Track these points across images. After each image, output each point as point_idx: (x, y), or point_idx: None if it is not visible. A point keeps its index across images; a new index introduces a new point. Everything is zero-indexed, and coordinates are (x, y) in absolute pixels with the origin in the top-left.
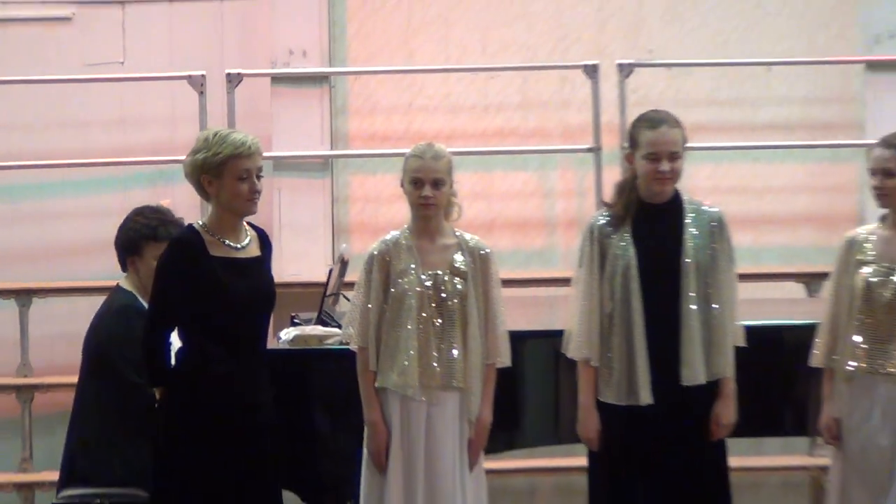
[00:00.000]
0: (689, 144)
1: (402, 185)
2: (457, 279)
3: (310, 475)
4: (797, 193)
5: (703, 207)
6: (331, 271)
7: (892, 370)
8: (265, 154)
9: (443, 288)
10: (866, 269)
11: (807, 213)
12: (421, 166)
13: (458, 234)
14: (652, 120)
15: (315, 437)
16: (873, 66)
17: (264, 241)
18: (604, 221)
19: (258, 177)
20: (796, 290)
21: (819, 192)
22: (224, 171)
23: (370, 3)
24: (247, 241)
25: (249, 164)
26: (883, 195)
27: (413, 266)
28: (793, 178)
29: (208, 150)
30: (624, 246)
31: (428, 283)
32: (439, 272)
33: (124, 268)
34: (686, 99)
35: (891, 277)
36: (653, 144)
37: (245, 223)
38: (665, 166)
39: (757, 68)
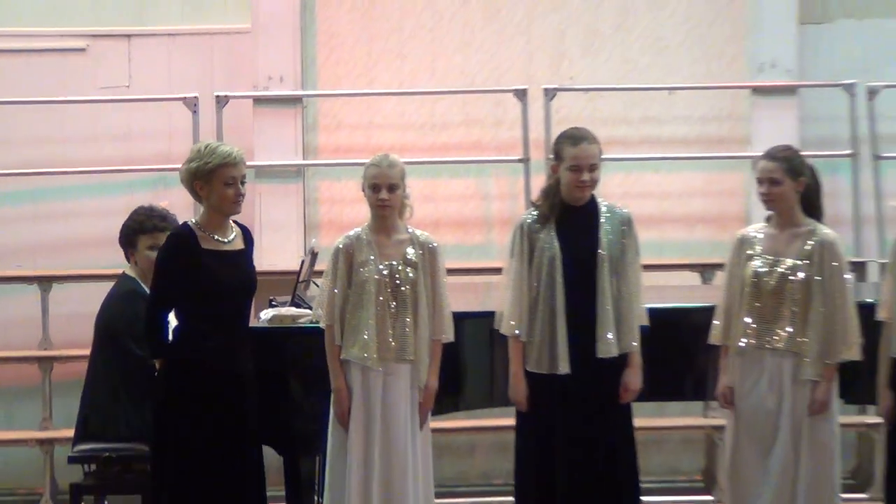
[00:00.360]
0: (604, 156)
1: (363, 190)
2: (409, 268)
3: (285, 433)
4: (693, 197)
5: (615, 209)
6: (303, 262)
7: (778, 345)
8: (248, 163)
9: (397, 276)
10: (755, 262)
11: (701, 213)
12: (378, 174)
13: (410, 230)
14: (574, 137)
15: (289, 400)
16: (758, 90)
17: (247, 236)
18: (532, 220)
19: (242, 183)
20: (693, 278)
21: (712, 196)
22: (213, 178)
23: (336, 38)
24: (232, 236)
25: (235, 171)
26: (769, 200)
27: (372, 257)
28: (690, 185)
29: (200, 160)
30: (549, 240)
31: (385, 272)
32: (394, 262)
33: (128, 259)
34: (601, 118)
35: (775, 268)
36: (575, 158)
37: (231, 221)
38: (585, 176)
39: (661, 92)
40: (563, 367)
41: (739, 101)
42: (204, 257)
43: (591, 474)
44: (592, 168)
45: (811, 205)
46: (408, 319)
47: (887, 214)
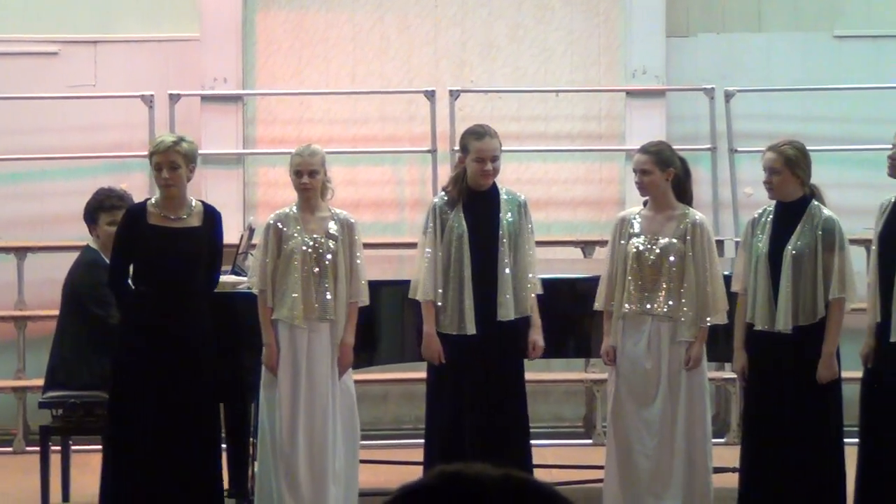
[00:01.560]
0: (502, 149)
1: (290, 175)
2: (330, 241)
3: (223, 382)
4: (576, 184)
5: (512, 194)
6: (242, 236)
7: (657, 311)
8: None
9: (320, 248)
10: (636, 240)
11: (583, 198)
12: (301, 162)
13: (332, 209)
14: (478, 133)
15: (227, 354)
16: (631, 93)
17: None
18: (443, 202)
19: (171, 168)
20: (576, 253)
21: (592, 183)
22: (152, 163)
23: (272, 45)
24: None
25: (159, 158)
26: (643, 187)
27: (298, 232)
28: (573, 173)
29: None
30: (458, 220)
31: (309, 244)
32: (317, 236)
33: (91, 232)
34: (498, 116)
35: (654, 246)
36: (479, 151)
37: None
38: (488, 167)
39: (548, 94)
40: (470, 329)
41: (615, 102)
42: (147, 232)
43: (490, 418)
44: (494, 159)
45: (682, 191)
46: (328, 285)
47: (741, 200)
